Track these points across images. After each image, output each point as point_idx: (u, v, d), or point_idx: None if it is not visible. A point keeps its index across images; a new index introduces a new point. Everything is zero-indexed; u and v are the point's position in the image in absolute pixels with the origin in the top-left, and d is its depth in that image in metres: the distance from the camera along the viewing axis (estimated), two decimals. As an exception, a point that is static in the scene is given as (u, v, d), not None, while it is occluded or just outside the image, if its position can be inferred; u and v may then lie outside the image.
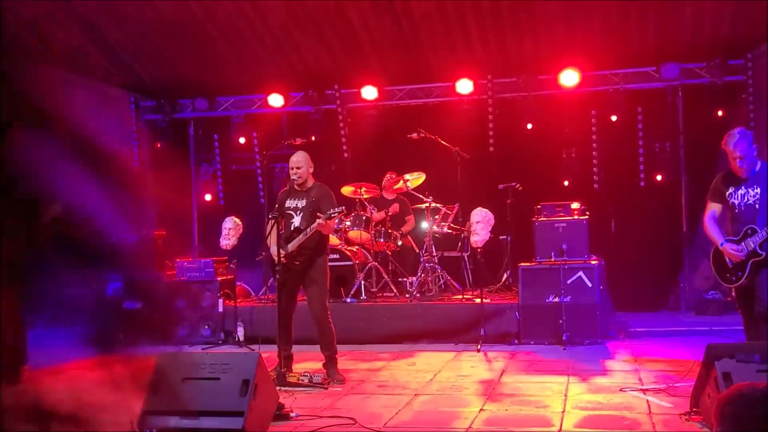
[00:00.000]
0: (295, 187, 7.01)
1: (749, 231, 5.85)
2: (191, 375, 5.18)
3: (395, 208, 10.29)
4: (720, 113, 11.03)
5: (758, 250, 5.79)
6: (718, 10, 10.18)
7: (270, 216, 6.93)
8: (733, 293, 6.32)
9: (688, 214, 11.40)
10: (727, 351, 4.80)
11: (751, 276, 5.84)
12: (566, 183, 11.48)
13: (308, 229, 6.77)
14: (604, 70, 11.32)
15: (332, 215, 6.83)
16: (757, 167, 5.94)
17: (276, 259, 6.74)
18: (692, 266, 11.47)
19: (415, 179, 10.44)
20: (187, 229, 13.19)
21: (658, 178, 11.42)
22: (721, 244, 5.99)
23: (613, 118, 11.31)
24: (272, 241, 6.90)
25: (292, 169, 6.97)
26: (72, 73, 10.13)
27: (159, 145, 12.63)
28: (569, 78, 11.10)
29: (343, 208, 7.02)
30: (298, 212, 6.94)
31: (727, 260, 6.00)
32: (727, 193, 6.07)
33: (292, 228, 6.89)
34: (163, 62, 11.95)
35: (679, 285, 11.44)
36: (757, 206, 5.88)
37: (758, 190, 5.89)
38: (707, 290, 10.77)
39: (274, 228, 6.87)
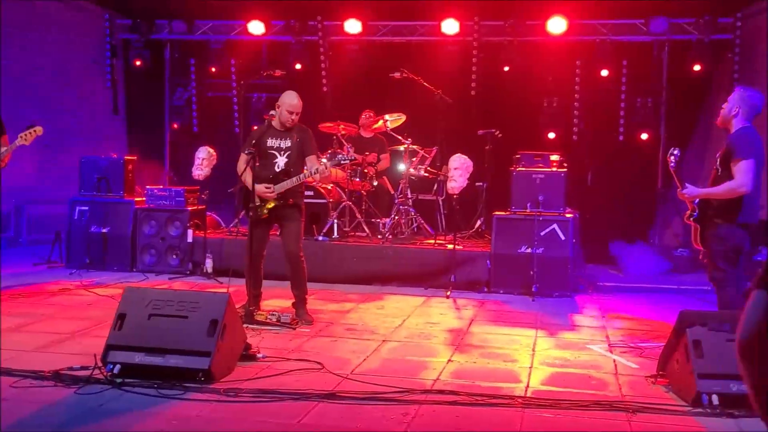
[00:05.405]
0: (275, 125, 6.80)
1: None
2: (158, 312, 5.08)
3: (373, 157, 10.08)
4: (703, 72, 10.94)
5: (694, 212, 5.80)
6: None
7: (246, 152, 6.70)
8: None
9: (663, 170, 11.42)
10: (699, 319, 4.81)
11: (694, 235, 5.85)
12: (551, 135, 11.39)
13: (307, 174, 6.61)
14: (592, 19, 11.14)
15: (341, 162, 6.69)
16: (734, 129, 5.63)
17: (256, 198, 6.61)
18: (664, 223, 11.54)
19: (395, 120, 10.25)
20: (158, 155, 12.92)
21: (638, 133, 11.38)
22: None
23: (604, 72, 11.16)
24: (249, 179, 6.70)
25: (292, 113, 6.66)
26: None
27: (138, 63, 12.19)
28: (557, 25, 10.91)
29: (355, 157, 6.84)
30: (282, 153, 6.71)
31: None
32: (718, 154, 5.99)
33: (276, 169, 6.67)
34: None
35: (649, 240, 11.51)
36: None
37: (719, 153, 5.77)
38: (676, 247, 10.84)
39: (249, 165, 6.67)
